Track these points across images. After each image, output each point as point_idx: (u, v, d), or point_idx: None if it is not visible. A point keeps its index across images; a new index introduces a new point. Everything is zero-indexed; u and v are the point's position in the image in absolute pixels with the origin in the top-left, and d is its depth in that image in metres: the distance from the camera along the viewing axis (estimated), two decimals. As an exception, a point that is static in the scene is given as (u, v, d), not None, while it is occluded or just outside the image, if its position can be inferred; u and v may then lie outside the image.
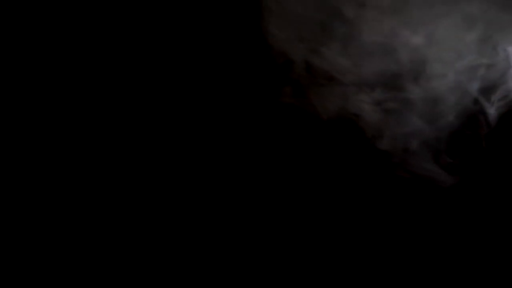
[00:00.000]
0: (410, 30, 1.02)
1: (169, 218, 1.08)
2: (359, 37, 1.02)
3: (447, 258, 1.07)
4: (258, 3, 1.05)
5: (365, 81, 1.04)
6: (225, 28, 1.09)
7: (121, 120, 1.08)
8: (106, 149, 1.08)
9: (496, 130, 1.05)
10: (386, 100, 1.04)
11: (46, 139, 1.06)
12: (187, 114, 1.09)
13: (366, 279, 1.07)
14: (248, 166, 1.09)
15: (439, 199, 1.06)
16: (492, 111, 1.04)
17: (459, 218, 1.07)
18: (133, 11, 1.08)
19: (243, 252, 1.07)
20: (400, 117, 1.05)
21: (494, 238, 1.07)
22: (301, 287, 1.06)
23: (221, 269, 1.07)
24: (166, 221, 1.07)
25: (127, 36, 1.09)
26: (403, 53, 1.02)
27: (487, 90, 1.03)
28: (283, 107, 1.07)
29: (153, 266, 1.06)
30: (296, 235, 1.08)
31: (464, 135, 1.05)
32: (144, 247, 1.06)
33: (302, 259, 1.07)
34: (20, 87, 1.06)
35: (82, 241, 1.05)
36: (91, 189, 1.06)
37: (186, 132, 1.09)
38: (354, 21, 1.02)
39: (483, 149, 1.05)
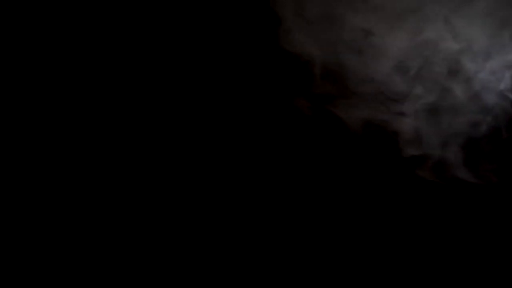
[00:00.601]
0: (439, 32, 0.99)
1: (177, 218, 1.06)
2: (385, 42, 1.00)
3: (485, 262, 1.03)
4: (281, 13, 1.04)
5: (394, 88, 1.02)
6: (249, 37, 1.07)
7: (126, 121, 1.07)
8: (116, 148, 1.06)
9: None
10: (416, 105, 1.01)
11: (46, 139, 1.05)
12: (207, 122, 1.07)
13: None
14: (273, 175, 1.07)
15: (474, 204, 1.03)
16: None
17: (496, 222, 1.03)
18: (147, 14, 1.08)
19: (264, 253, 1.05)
20: (432, 121, 1.02)
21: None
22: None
23: (221, 269, 1.04)
24: (171, 221, 1.06)
25: (144, 40, 1.08)
26: (434, 57, 1.00)
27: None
28: (309, 118, 1.05)
29: (153, 266, 1.04)
30: (326, 241, 1.06)
31: (500, 138, 1.01)
32: (144, 247, 1.05)
33: (332, 263, 1.05)
34: (20, 87, 1.06)
35: (82, 241, 1.04)
36: (91, 189, 1.05)
37: (206, 140, 1.07)
38: (379, 25, 1.00)
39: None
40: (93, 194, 1.05)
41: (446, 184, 1.02)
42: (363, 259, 1.04)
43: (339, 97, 1.03)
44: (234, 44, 1.07)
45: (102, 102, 1.07)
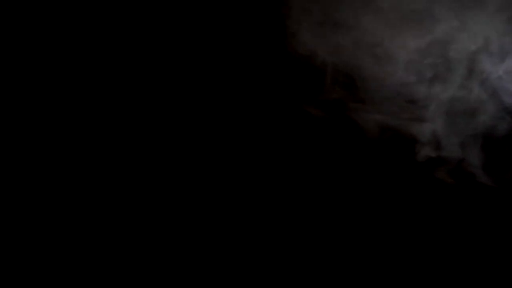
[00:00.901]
0: (454, 33, 0.98)
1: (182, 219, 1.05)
2: (398, 44, 1.00)
3: (505, 265, 1.02)
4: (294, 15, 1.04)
5: (409, 90, 1.01)
6: (259, 42, 1.07)
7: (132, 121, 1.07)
8: (118, 149, 1.06)
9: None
10: (433, 107, 1.01)
11: (46, 139, 1.04)
12: (216, 129, 1.07)
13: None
14: (289, 181, 1.07)
15: (491, 206, 1.02)
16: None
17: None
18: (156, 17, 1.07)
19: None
20: (449, 123, 1.01)
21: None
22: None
23: (221, 269, 1.04)
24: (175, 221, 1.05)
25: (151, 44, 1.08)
26: (449, 58, 0.99)
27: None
28: (325, 122, 1.05)
29: (153, 266, 1.04)
30: (346, 244, 1.05)
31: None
32: (144, 247, 1.04)
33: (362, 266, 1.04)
34: (20, 87, 1.05)
35: (82, 241, 1.03)
36: (91, 189, 1.05)
37: (216, 147, 1.07)
38: (392, 27, 1.00)
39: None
40: (93, 194, 1.04)
41: (465, 186, 1.01)
42: (379, 263, 1.03)
43: (354, 101, 1.03)
44: (245, 49, 1.07)
45: (107, 101, 1.06)
